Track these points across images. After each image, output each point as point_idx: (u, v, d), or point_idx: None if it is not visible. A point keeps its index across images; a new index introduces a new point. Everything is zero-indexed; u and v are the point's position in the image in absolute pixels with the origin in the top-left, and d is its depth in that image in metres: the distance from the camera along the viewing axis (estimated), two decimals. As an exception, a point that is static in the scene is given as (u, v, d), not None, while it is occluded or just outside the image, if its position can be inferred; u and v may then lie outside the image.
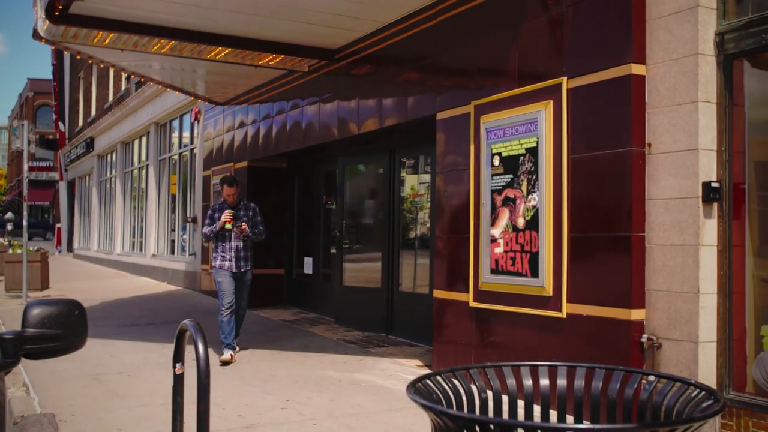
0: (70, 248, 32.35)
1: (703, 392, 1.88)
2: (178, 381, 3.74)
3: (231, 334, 7.76)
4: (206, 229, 8.14)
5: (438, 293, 7.14)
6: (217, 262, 8.06)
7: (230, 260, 8.03)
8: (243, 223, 7.96)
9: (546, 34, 5.91)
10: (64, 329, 1.98)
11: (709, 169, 4.82)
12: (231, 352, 7.63)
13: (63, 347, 1.99)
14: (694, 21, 4.84)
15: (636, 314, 5.08)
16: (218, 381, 6.26)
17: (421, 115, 7.55)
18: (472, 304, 6.56)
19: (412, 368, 7.37)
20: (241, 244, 8.08)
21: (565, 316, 5.57)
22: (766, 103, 4.91)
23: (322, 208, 11.89)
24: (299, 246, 12.65)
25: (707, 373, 4.75)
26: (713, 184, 4.75)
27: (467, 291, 6.63)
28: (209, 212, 8.27)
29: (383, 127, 8.33)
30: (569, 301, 5.55)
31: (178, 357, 3.92)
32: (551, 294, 5.69)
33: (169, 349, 6.90)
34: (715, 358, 4.79)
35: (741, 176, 4.84)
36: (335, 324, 10.56)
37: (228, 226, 7.92)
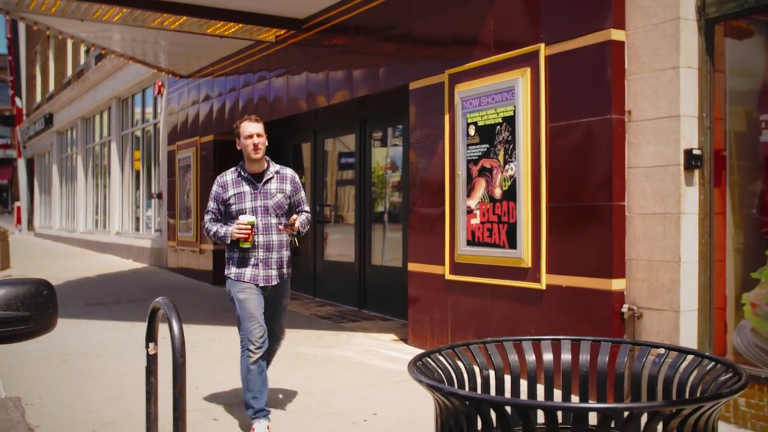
0: (30, 227, 31.70)
1: (719, 365, 1.78)
2: (152, 361, 3.59)
3: (263, 392, 4.53)
4: (211, 226, 4.65)
5: (413, 266, 7.03)
6: (235, 269, 4.62)
7: (260, 266, 4.59)
8: (293, 220, 4.57)
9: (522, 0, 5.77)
10: (32, 311, 1.82)
11: (690, 137, 4.74)
12: (266, 422, 4.47)
13: (32, 330, 1.82)
14: (675, -15, 4.74)
15: (616, 284, 5.02)
16: (191, 359, 6.08)
17: (394, 85, 7.39)
18: (448, 276, 6.47)
19: (387, 343, 7.28)
20: (281, 240, 4.66)
21: (544, 287, 5.50)
22: (746, 69, 4.84)
23: (291, 182, 11.67)
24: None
25: (689, 342, 4.72)
26: (695, 152, 4.68)
27: (443, 263, 6.53)
28: (214, 190, 4.69)
29: (354, 99, 8.15)
30: (548, 272, 5.48)
31: (151, 336, 3.77)
32: (530, 265, 5.61)
33: (138, 328, 6.69)
34: (696, 327, 4.75)
35: (722, 143, 4.78)
36: (309, 299, 10.42)
37: (245, 245, 4.53)
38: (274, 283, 4.63)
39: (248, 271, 4.56)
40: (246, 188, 4.57)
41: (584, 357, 2.00)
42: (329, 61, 8.52)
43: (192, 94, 12.96)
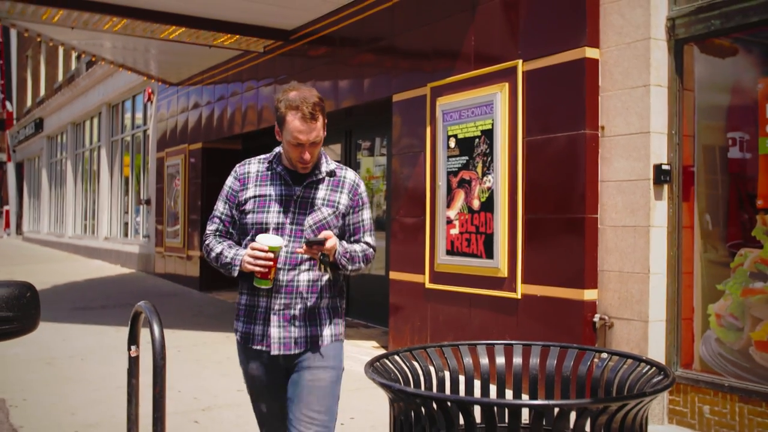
0: (19, 231, 31.67)
1: (654, 368, 1.93)
2: (133, 364, 3.71)
3: None
4: (214, 244, 2.96)
5: (394, 275, 7.17)
6: (242, 325, 2.99)
7: (274, 322, 2.89)
8: (326, 240, 2.74)
9: (502, 17, 5.93)
10: (15, 311, 1.94)
11: (660, 152, 4.90)
12: None
13: (14, 330, 1.95)
14: (646, 6, 4.91)
15: (589, 294, 5.17)
16: (174, 363, 6.21)
17: (378, 97, 7.54)
18: (428, 285, 6.61)
19: (368, 349, 7.40)
20: (314, 280, 2.91)
21: (519, 296, 5.64)
22: (714, 88, 5.01)
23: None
24: (255, 228, 12.56)
25: (657, 352, 4.87)
26: (664, 167, 4.84)
27: (423, 272, 6.67)
28: (228, 185, 3.00)
29: (339, 109, 8.30)
30: (524, 281, 5.62)
31: (133, 339, 3.89)
32: (506, 275, 5.76)
33: (123, 332, 6.84)
34: (665, 337, 4.90)
35: (690, 159, 4.94)
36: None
37: (262, 283, 2.78)
38: (297, 351, 2.83)
39: (257, 330, 2.88)
40: (275, 190, 2.84)
41: (534, 361, 2.14)
42: (316, 72, 8.67)
43: (181, 102, 13.09)
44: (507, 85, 5.78)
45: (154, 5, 8.14)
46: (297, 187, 2.86)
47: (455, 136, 6.29)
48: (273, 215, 2.84)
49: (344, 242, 2.89)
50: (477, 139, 6.05)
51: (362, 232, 3.03)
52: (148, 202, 15.36)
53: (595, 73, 5.22)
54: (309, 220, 2.85)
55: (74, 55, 19.98)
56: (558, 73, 5.41)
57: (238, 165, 3.00)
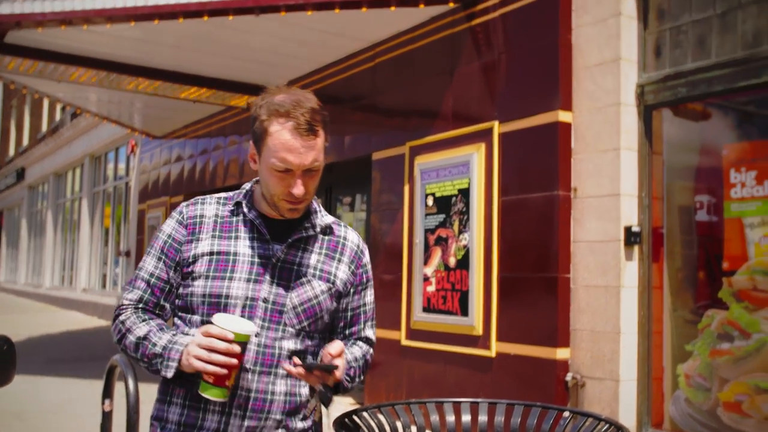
0: (-4, 281, 31.34)
1: (612, 427, 1.99)
2: (107, 418, 3.71)
3: None
4: (133, 319, 1.96)
5: (371, 331, 7.19)
6: None
7: None
8: (332, 354, 1.88)
9: (479, 79, 6.11)
10: (-11, 364, 1.98)
11: (630, 214, 5.03)
12: None
13: (-13, 382, 1.98)
14: (617, 72, 5.09)
15: (561, 353, 5.23)
16: (146, 418, 6.16)
17: (358, 154, 7.67)
18: (404, 342, 6.64)
19: (344, 406, 7.38)
20: (289, 394, 2.00)
21: (494, 355, 5.69)
22: (682, 152, 5.17)
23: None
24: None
25: (628, 411, 4.91)
26: (634, 229, 4.96)
27: (399, 329, 6.71)
28: (165, 230, 2.04)
29: (320, 165, 8.40)
30: (498, 339, 5.68)
31: (107, 393, 3.89)
32: (481, 333, 5.81)
33: (97, 385, 6.79)
34: (636, 396, 4.95)
35: (660, 221, 5.07)
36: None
37: (213, 393, 1.78)
38: None
39: None
40: (243, 247, 1.98)
41: (499, 419, 2.20)
42: (298, 129, 8.79)
43: (164, 155, 13.19)
44: (483, 145, 5.92)
45: (141, 61, 8.29)
46: (278, 244, 1.97)
47: (433, 194, 6.40)
48: (239, 285, 1.92)
49: (349, 354, 2.06)
50: (454, 198, 6.17)
51: (363, 321, 2.16)
52: (127, 253, 15.33)
53: (568, 136, 5.37)
54: (293, 298, 1.96)
55: (59, 106, 20.12)
56: (532, 136, 5.56)
57: (184, 204, 2.06)
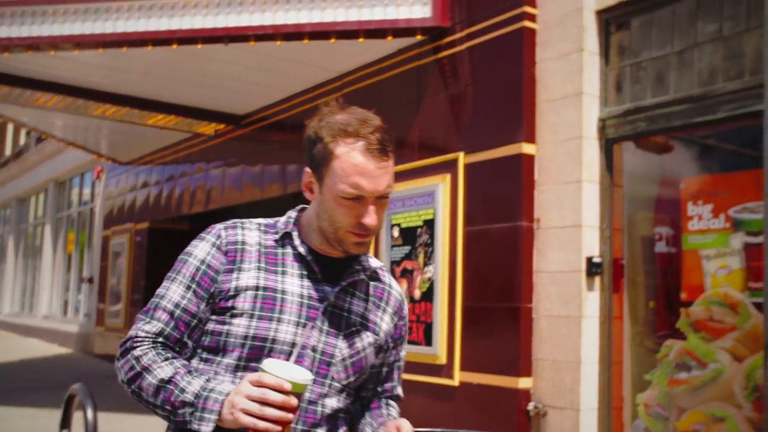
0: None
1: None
2: (64, 446, 3.66)
3: None
4: (152, 356, 1.65)
5: (336, 359, 7.18)
6: None
7: None
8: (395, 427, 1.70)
9: (445, 111, 6.20)
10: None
11: (591, 245, 5.12)
12: None
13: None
14: (579, 107, 5.20)
15: (523, 383, 5.27)
16: (106, 447, 6.07)
17: (325, 183, 7.70)
18: (368, 370, 6.64)
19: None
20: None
21: (457, 384, 5.71)
22: (642, 185, 5.29)
23: (224, 271, 11.79)
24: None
25: (589, 440, 4.96)
26: (595, 260, 5.04)
27: (364, 358, 6.71)
28: (198, 253, 1.77)
29: (286, 194, 8.43)
30: (462, 369, 5.71)
31: (65, 423, 3.85)
32: (444, 362, 5.84)
33: (56, 415, 6.69)
34: (596, 425, 5.00)
35: (620, 252, 5.16)
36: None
37: None
38: None
39: None
40: (294, 284, 1.76)
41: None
42: (265, 156, 8.83)
43: (130, 181, 13.11)
44: (449, 176, 5.99)
45: (109, 87, 8.28)
46: (329, 286, 1.77)
47: (399, 225, 6.45)
48: (287, 329, 1.69)
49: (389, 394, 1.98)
50: (419, 229, 6.22)
51: (396, 377, 1.99)
52: (90, 280, 15.14)
53: (532, 168, 5.47)
54: (343, 349, 1.76)
55: (24, 131, 19.93)
56: (497, 167, 5.65)
57: (221, 227, 1.82)
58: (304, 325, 1.71)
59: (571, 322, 5.08)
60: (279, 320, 1.69)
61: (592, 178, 5.17)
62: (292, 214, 1.86)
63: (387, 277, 1.94)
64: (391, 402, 1.97)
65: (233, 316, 1.69)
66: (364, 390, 1.93)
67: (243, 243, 1.77)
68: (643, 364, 4.94)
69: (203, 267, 1.73)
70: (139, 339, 1.68)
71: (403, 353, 1.99)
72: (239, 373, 1.67)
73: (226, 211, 10.53)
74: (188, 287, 1.72)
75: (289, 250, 1.78)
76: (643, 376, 4.89)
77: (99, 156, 13.26)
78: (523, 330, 5.31)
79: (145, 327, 1.70)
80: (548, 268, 5.28)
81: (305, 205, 1.87)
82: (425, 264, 6.12)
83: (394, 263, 6.46)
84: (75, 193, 17.75)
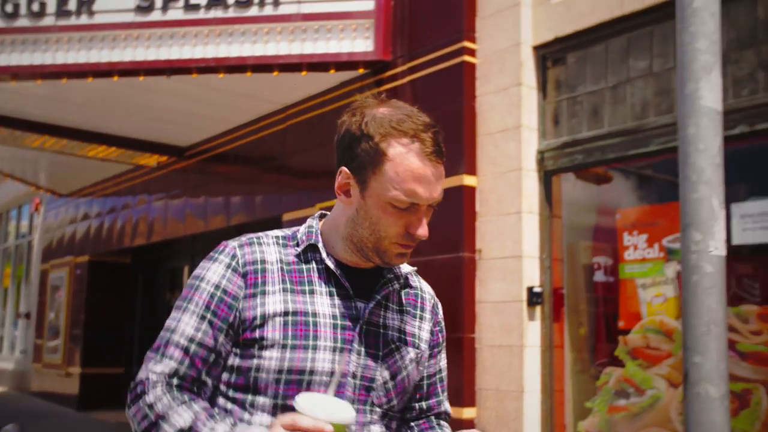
0: None
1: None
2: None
3: None
4: (169, 404, 1.43)
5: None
6: None
7: None
8: None
9: (387, 143, 6.26)
10: None
11: (532, 275, 5.20)
12: None
13: None
14: (518, 139, 5.31)
15: (467, 413, 5.30)
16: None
17: (268, 215, 7.68)
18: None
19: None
20: None
21: (402, 414, 5.71)
22: (580, 216, 5.41)
23: (166, 304, 11.62)
24: (141, 343, 12.23)
25: (532, 469, 5.01)
26: (535, 289, 5.13)
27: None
28: (211, 278, 1.54)
29: (230, 226, 8.38)
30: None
31: (-3, 463, 3.73)
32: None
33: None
34: (539, 454, 5.06)
35: (560, 281, 5.26)
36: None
37: None
38: None
39: None
40: (323, 304, 1.56)
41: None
42: (209, 188, 8.77)
43: (70, 213, 12.86)
44: (392, 207, 6.03)
45: (47, 118, 8.15)
46: (361, 302, 1.60)
47: (342, 255, 6.46)
48: (325, 357, 1.51)
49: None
50: (363, 259, 6.24)
51: (441, 391, 1.79)
52: (27, 315, 14.73)
53: (473, 200, 5.55)
54: (383, 371, 1.59)
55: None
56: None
57: (235, 244, 1.60)
58: (342, 350, 1.52)
59: (513, 352, 5.14)
60: (315, 348, 1.50)
61: (531, 209, 5.27)
62: (312, 223, 1.66)
63: (416, 279, 1.77)
64: (442, 422, 1.77)
65: (262, 348, 1.48)
66: (408, 411, 1.72)
67: (263, 261, 1.56)
68: (584, 392, 5.02)
69: (219, 293, 1.52)
70: (151, 382, 1.47)
71: (443, 363, 1.80)
72: (277, 413, 1.46)
73: (168, 244, 10.40)
74: (203, 318, 1.51)
75: (313, 264, 1.59)
76: (584, 404, 4.97)
77: (38, 188, 13.00)
78: (467, 360, 5.35)
79: (157, 367, 1.49)
80: (490, 299, 5.34)
81: (324, 211, 1.71)
82: (369, 295, 6.13)
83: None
84: (12, 226, 17.31)
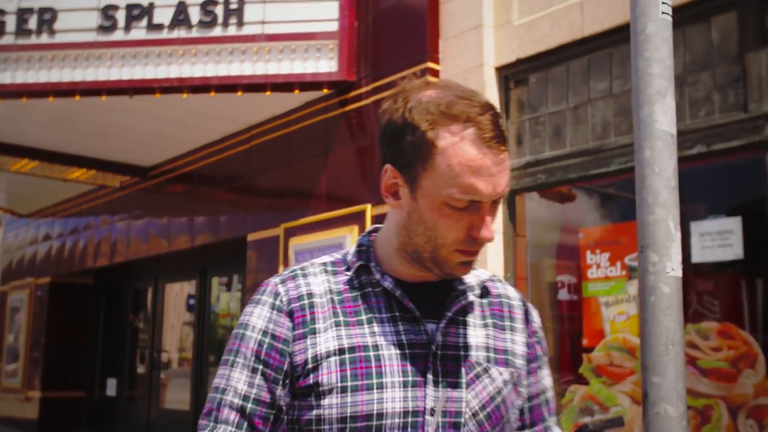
0: None
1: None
2: None
3: None
4: None
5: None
6: None
7: None
8: None
9: (353, 163, 6.28)
10: None
11: (496, 294, 5.23)
12: None
13: None
14: (482, 159, 5.35)
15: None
16: None
17: (233, 235, 7.64)
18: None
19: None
20: None
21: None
22: (544, 235, 5.46)
23: (130, 326, 11.47)
24: (103, 366, 12.04)
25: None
26: (500, 308, 5.15)
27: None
28: (257, 323, 1.34)
29: (195, 246, 8.31)
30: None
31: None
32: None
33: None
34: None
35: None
36: (138, 450, 9.98)
37: None
38: None
39: None
40: (384, 333, 1.33)
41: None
42: (173, 209, 8.70)
43: (31, 233, 12.65)
44: (356, 227, 6.04)
45: (7, 138, 8.03)
46: (432, 322, 1.36)
47: (308, 275, 6.44)
48: (394, 395, 1.29)
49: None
50: (328, 279, 6.22)
51: (547, 414, 1.53)
52: (-14, 338, 14.43)
53: (438, 219, 5.57)
54: (471, 401, 1.34)
55: None
56: (404, 218, 5.73)
57: (278, 280, 1.40)
58: (415, 384, 1.29)
59: (479, 371, 5.15)
60: (381, 386, 1.27)
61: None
62: (363, 240, 1.44)
63: (499, 285, 1.50)
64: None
65: (320, 395, 1.27)
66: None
67: (310, 295, 1.35)
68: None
69: (267, 339, 1.32)
70: None
71: (547, 380, 1.52)
72: None
73: (131, 264, 10.28)
74: (254, 370, 1.31)
75: (369, 289, 1.36)
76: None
77: (-3, 208, 12.79)
78: (432, 380, 5.35)
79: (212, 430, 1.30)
80: (455, 318, 5.36)
81: (378, 225, 1.48)
82: (335, 315, 6.11)
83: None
84: (-29, 247, 16.99)
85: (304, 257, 6.48)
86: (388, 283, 1.35)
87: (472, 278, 1.43)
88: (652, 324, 1.41)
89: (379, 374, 1.27)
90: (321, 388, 1.27)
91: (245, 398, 1.30)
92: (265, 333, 1.32)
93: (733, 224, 4.19)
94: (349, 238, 6.06)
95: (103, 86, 6.31)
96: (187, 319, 10.12)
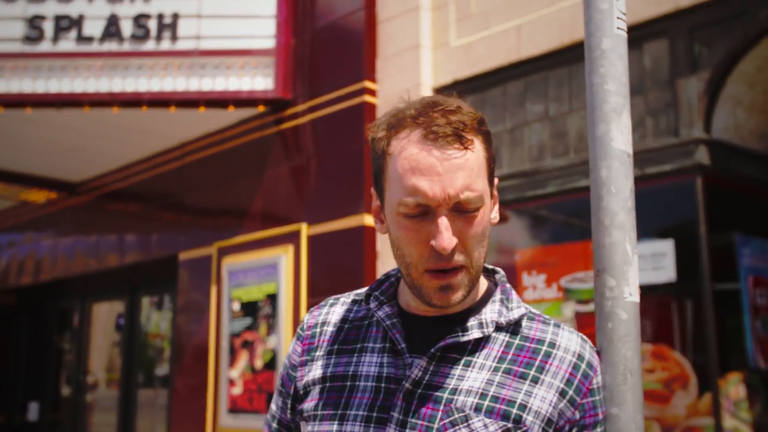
0: None
1: None
2: None
3: None
4: None
5: (174, 439, 6.84)
6: None
7: None
8: None
9: (288, 182, 6.18)
10: None
11: (432, 315, 5.19)
12: None
13: None
14: (419, 180, 5.32)
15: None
16: None
17: (165, 254, 7.44)
18: (209, 450, 6.35)
19: None
20: None
21: (301, 460, 5.56)
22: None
23: (55, 347, 11.06)
24: (26, 390, 11.58)
25: None
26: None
27: (205, 436, 6.43)
28: (285, 363, 1.44)
29: (124, 265, 8.07)
30: (306, 444, 5.57)
31: None
32: None
33: None
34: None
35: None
36: (61, 476, 9.60)
37: None
38: None
39: None
40: (372, 360, 1.28)
41: None
42: (102, 226, 8.44)
43: (-50, 251, 12.14)
44: (292, 247, 5.94)
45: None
46: (418, 358, 1.24)
47: (239, 299, 6.30)
48: (352, 428, 1.22)
49: None
50: (261, 302, 6.10)
51: None
52: None
53: (374, 239, 5.51)
54: None
55: None
56: (340, 238, 5.66)
57: (315, 307, 1.44)
58: (380, 421, 1.19)
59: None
60: (343, 418, 1.21)
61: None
62: (392, 271, 1.38)
63: (548, 329, 1.29)
64: None
65: (306, 420, 1.28)
66: None
67: (324, 324, 1.35)
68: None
69: (287, 365, 1.39)
70: None
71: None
72: None
73: (58, 283, 9.93)
74: (279, 393, 1.41)
75: (374, 319, 1.31)
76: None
77: None
78: (367, 403, 5.27)
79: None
80: (391, 339, 5.29)
81: None
82: (268, 335, 5.99)
83: (234, 335, 6.28)
84: None
85: (237, 277, 6.35)
86: (381, 313, 1.28)
87: (491, 315, 1.26)
88: (610, 352, 1.34)
89: (346, 406, 1.24)
90: (305, 414, 1.29)
91: (273, 418, 1.43)
92: (288, 359, 1.41)
93: (666, 247, 4.24)
94: (284, 259, 5.95)
95: (27, 99, 6.07)
96: (116, 340, 9.80)
